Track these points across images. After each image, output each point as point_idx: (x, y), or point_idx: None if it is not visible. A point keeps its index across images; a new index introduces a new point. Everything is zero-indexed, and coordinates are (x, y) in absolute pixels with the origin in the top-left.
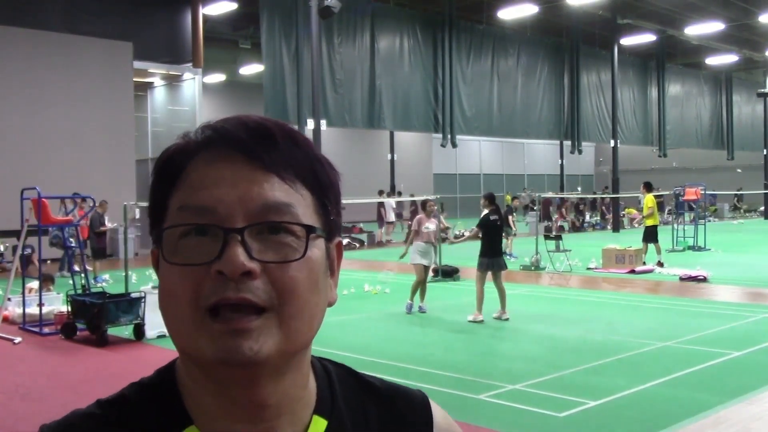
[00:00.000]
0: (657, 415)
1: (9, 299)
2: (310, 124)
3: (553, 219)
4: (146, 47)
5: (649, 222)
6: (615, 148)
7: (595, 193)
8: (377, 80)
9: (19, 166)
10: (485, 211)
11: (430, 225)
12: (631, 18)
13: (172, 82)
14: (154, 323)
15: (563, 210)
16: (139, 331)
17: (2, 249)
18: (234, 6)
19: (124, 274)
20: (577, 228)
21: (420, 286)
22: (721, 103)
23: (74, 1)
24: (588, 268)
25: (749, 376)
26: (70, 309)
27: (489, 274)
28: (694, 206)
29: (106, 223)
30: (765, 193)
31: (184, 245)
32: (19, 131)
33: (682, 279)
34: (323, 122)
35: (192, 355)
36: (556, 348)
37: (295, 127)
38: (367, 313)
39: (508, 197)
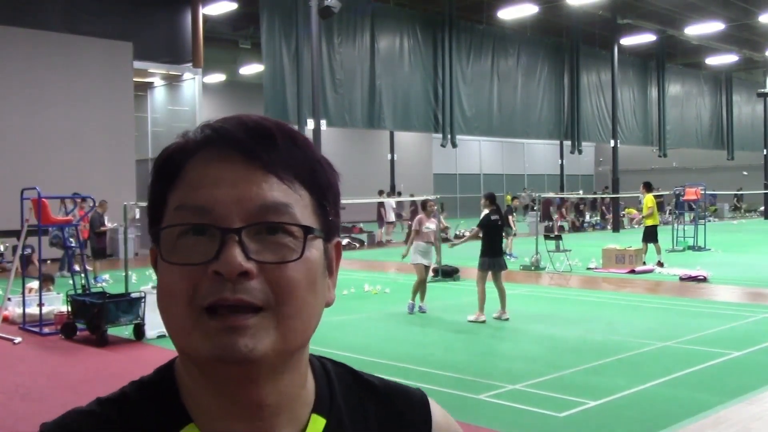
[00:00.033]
0: (657, 415)
1: (9, 299)
2: (310, 124)
3: (554, 219)
4: (146, 47)
5: (649, 222)
6: (615, 148)
7: (595, 193)
8: (377, 80)
9: (19, 166)
10: (485, 211)
11: (431, 225)
12: (631, 18)
13: (172, 82)
14: (154, 323)
15: (563, 210)
16: (139, 331)
17: (2, 249)
18: (234, 6)
19: (124, 274)
20: (577, 228)
21: (420, 286)
22: (721, 103)
23: (74, 1)
24: (588, 268)
25: (749, 376)
26: (70, 309)
27: (489, 273)
28: (694, 206)
29: (106, 223)
30: (765, 193)
31: (182, 245)
32: (19, 131)
33: (682, 279)
34: (323, 122)
35: (189, 353)
36: (556, 348)
37: (295, 127)
38: (367, 313)
39: (509, 197)
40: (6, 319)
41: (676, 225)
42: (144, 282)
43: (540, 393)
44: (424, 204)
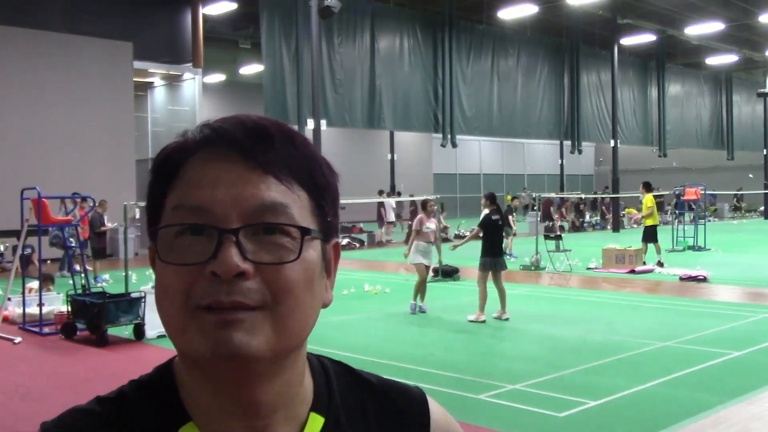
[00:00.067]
0: (657, 415)
1: (9, 299)
2: (310, 124)
3: (554, 219)
4: (146, 47)
5: (649, 222)
6: (615, 148)
7: (595, 193)
8: (377, 80)
9: (19, 166)
10: (485, 211)
11: (431, 225)
12: (631, 18)
13: (172, 82)
14: (154, 323)
15: (563, 210)
16: (139, 331)
17: (2, 249)
18: (234, 6)
19: (124, 274)
20: (577, 228)
21: (421, 285)
22: (721, 103)
23: (74, 1)
24: (588, 268)
25: (749, 376)
26: (70, 309)
27: (489, 273)
28: (693, 206)
29: (106, 222)
30: (765, 193)
31: (180, 244)
32: (19, 131)
33: (682, 279)
34: (323, 122)
35: (186, 352)
36: (556, 348)
37: (295, 127)
38: (367, 313)
39: (509, 197)
40: (6, 319)
41: (676, 225)
42: (144, 282)
43: (540, 393)
44: (425, 204)
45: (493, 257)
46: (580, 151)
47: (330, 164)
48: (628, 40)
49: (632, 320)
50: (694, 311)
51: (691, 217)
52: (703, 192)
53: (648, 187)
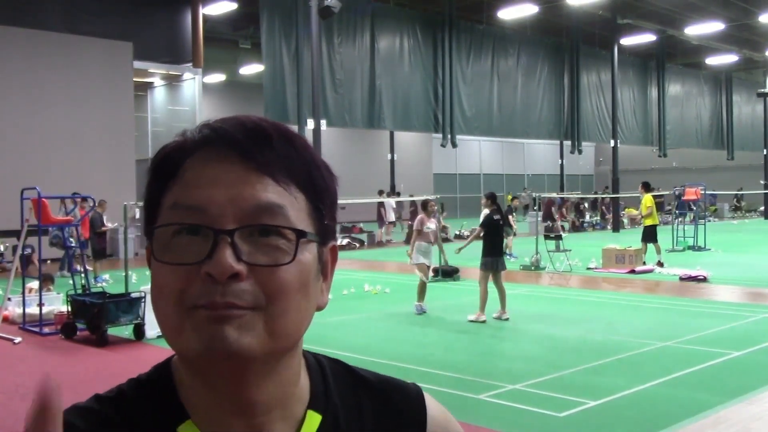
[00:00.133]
0: (657, 415)
1: (9, 299)
2: (310, 124)
3: (556, 219)
4: (146, 47)
5: (648, 222)
6: (615, 148)
7: (595, 193)
8: (377, 80)
9: (19, 166)
10: (486, 211)
11: (431, 225)
12: (631, 18)
13: (172, 82)
14: (154, 323)
15: (563, 210)
16: (139, 331)
17: (2, 249)
18: (234, 6)
19: (124, 274)
20: (577, 228)
21: (422, 285)
22: (721, 103)
23: (74, 1)
24: (588, 268)
25: (749, 376)
26: (70, 309)
27: (490, 273)
28: (693, 207)
29: (106, 222)
30: (765, 193)
31: (176, 243)
32: (19, 131)
33: (682, 279)
34: (323, 122)
35: (180, 351)
36: (556, 348)
37: (295, 127)
38: (367, 313)
39: (509, 197)
40: (6, 319)
41: (676, 225)
42: (144, 282)
43: (540, 393)
44: (425, 204)
45: (494, 257)
46: (580, 151)
47: (329, 167)
48: (628, 40)
49: (632, 320)
50: (694, 311)
51: (691, 217)
52: (703, 192)
53: (647, 187)
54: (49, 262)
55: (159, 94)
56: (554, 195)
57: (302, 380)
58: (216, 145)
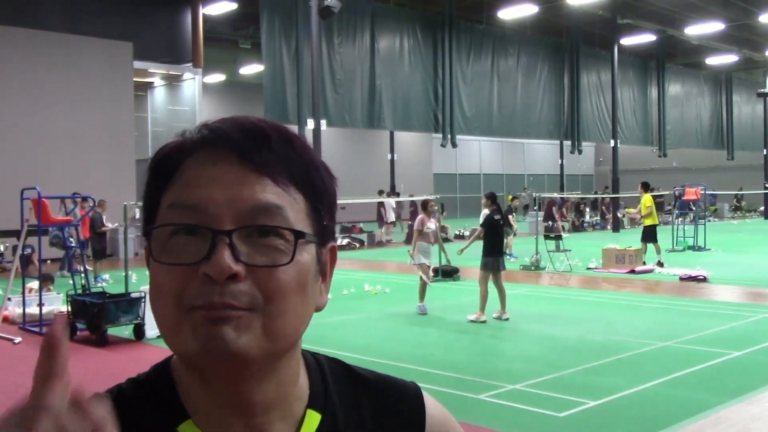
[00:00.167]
0: (657, 415)
1: (9, 299)
2: (310, 124)
3: (557, 219)
4: (146, 47)
5: (648, 222)
6: (615, 148)
7: (595, 193)
8: (377, 80)
9: (19, 166)
10: (486, 211)
11: (431, 225)
12: (631, 18)
13: (172, 82)
14: (154, 323)
15: (564, 210)
16: (139, 331)
17: (2, 249)
18: (234, 6)
19: (124, 274)
20: (577, 228)
21: (423, 285)
22: (721, 103)
23: (74, 1)
24: (588, 268)
25: (749, 376)
26: (70, 309)
27: (490, 273)
28: (693, 207)
29: (105, 222)
30: (765, 193)
31: (174, 243)
32: (19, 131)
33: (682, 279)
34: (323, 122)
35: (178, 351)
36: (556, 348)
37: (295, 127)
38: (367, 313)
39: (509, 197)
40: (6, 319)
41: (676, 225)
42: (144, 282)
43: (540, 393)
44: (425, 204)
45: (495, 257)
46: (580, 151)
47: (328, 168)
48: (628, 40)
49: (632, 320)
50: (694, 311)
51: (691, 217)
52: (703, 192)
53: (646, 187)
54: (49, 262)
55: (159, 94)
56: (555, 195)
57: (301, 379)
58: (215, 145)
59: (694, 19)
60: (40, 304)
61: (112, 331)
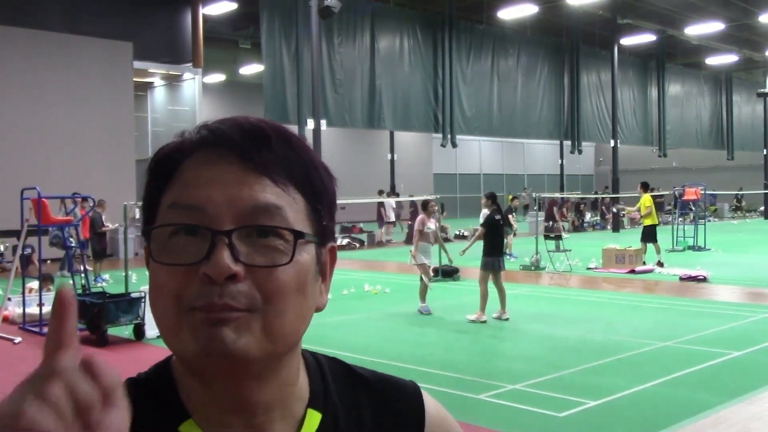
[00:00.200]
0: (657, 415)
1: (9, 299)
2: (310, 124)
3: (557, 219)
4: (146, 47)
5: (648, 222)
6: (615, 148)
7: (595, 193)
8: (377, 80)
9: (19, 166)
10: (486, 211)
11: (431, 225)
12: (631, 18)
13: (172, 82)
14: (154, 323)
15: (564, 210)
16: (139, 331)
17: (2, 249)
18: (234, 6)
19: (124, 274)
20: (577, 228)
21: (425, 286)
22: (721, 103)
23: (74, 1)
24: (588, 268)
25: (749, 376)
26: None
27: (490, 273)
28: (693, 207)
29: (105, 222)
30: (765, 193)
31: (174, 244)
32: (19, 131)
33: (682, 279)
34: (323, 122)
35: (178, 352)
36: (556, 348)
37: (295, 127)
38: (367, 313)
39: (510, 197)
40: (6, 319)
41: (676, 225)
42: (144, 282)
43: (540, 393)
44: (425, 204)
45: (495, 257)
46: (580, 151)
47: (328, 168)
48: (628, 40)
49: (632, 320)
50: (694, 311)
51: (691, 217)
52: (703, 192)
53: (646, 187)
54: (49, 262)
55: (159, 94)
56: (556, 195)
57: (301, 379)
58: (214, 145)
59: (694, 19)
60: (40, 304)
61: (112, 331)
